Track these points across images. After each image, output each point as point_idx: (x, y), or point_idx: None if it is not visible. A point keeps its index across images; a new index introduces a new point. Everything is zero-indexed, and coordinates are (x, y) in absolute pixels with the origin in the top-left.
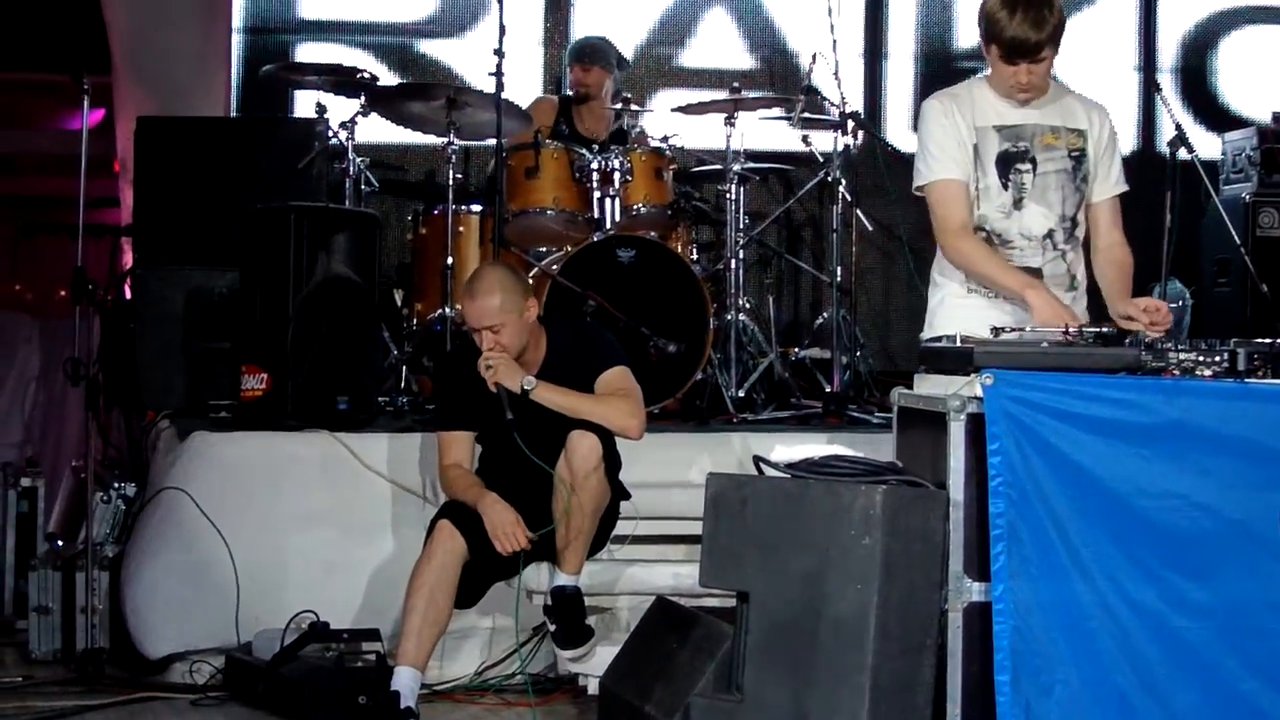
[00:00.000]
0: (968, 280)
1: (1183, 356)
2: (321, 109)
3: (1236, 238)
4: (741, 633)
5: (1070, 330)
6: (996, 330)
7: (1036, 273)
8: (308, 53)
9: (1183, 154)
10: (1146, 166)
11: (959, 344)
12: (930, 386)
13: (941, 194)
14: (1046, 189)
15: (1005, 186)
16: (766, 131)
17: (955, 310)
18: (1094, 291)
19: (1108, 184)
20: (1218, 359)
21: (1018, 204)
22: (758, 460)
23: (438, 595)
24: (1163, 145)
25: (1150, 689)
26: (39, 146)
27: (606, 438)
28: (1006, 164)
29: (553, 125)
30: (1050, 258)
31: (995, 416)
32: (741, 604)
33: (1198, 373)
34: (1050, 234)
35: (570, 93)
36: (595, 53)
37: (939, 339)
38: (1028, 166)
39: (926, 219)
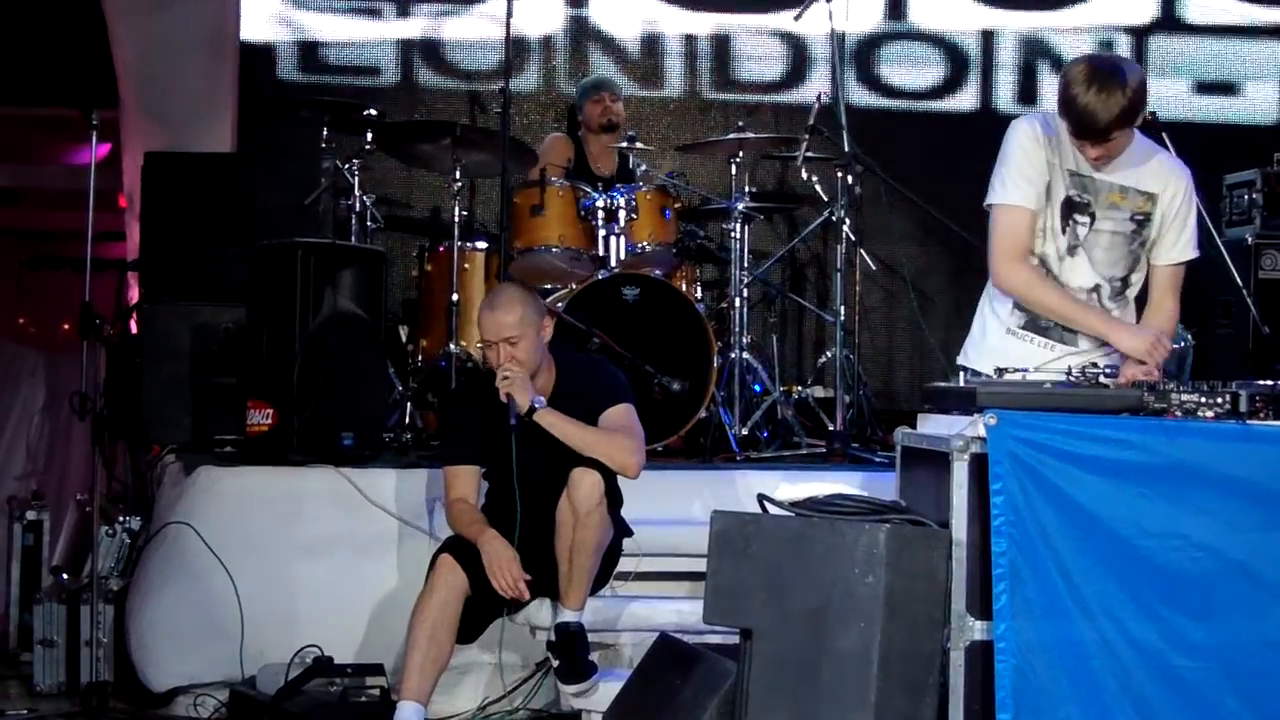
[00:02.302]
0: (1012, 318)
1: (1185, 398)
2: (328, 145)
3: (1239, 280)
4: (745, 670)
5: (1073, 371)
6: (1000, 370)
7: None
8: (314, 89)
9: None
10: None
11: (962, 384)
12: (933, 426)
13: (1008, 218)
14: (1097, 246)
15: (1063, 231)
16: (771, 170)
17: (994, 348)
18: None
19: (1173, 250)
20: (1220, 400)
21: (1071, 251)
22: (762, 498)
23: (440, 630)
24: None
25: None
26: (43, 181)
27: (608, 474)
28: (1069, 210)
29: (567, 163)
30: None
31: (998, 456)
32: (745, 641)
33: (1200, 414)
34: (1096, 289)
35: (596, 124)
36: (614, 85)
37: (975, 374)
38: (1086, 219)
39: (930, 259)
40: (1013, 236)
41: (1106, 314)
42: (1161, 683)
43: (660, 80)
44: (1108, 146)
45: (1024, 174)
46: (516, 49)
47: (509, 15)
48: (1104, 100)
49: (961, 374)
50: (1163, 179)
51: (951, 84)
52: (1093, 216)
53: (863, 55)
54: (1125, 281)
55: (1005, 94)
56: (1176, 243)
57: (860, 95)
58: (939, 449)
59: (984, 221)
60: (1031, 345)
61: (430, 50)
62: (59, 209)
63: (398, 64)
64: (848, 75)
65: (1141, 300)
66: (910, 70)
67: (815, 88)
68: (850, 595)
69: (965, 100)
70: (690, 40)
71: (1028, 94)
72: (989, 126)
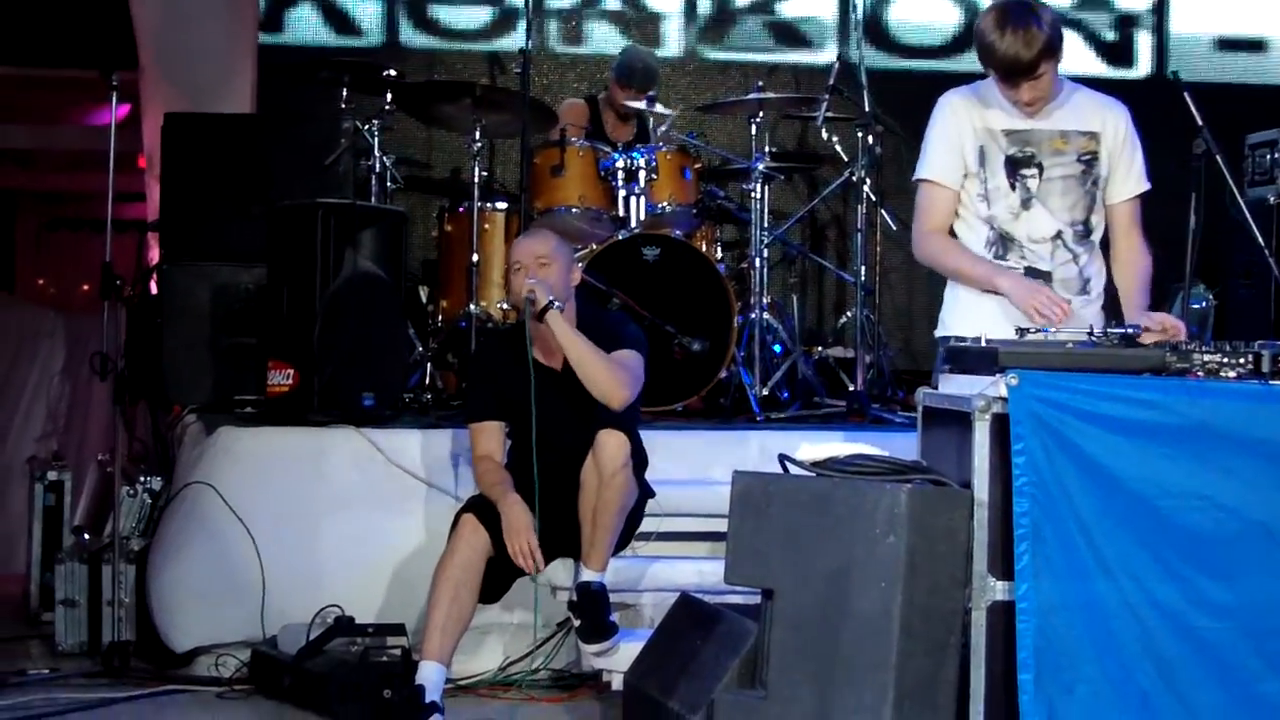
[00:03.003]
0: None
1: (1207, 358)
2: (348, 106)
3: (1260, 240)
4: (766, 630)
5: (1095, 331)
6: (1021, 330)
7: (1046, 276)
8: (334, 50)
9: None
10: None
11: (984, 344)
12: (955, 386)
13: (925, 193)
14: (1051, 194)
15: (1013, 188)
16: (791, 130)
17: (970, 310)
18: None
19: (1126, 185)
20: (1242, 360)
21: (1025, 205)
22: (783, 459)
23: (462, 590)
24: None
25: (1172, 688)
26: (61, 142)
27: (633, 436)
28: (1014, 167)
29: (582, 129)
30: (1061, 260)
31: (1020, 417)
32: (766, 601)
33: (1222, 374)
34: (1059, 235)
35: (618, 106)
36: (648, 80)
37: (959, 339)
38: (1034, 171)
39: None
40: (927, 210)
41: (993, 265)
42: (1183, 643)
43: (679, 41)
44: (1038, 85)
45: (945, 147)
46: (536, 8)
47: None
48: (1023, 38)
49: (941, 345)
50: (1100, 116)
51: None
52: (1040, 167)
53: (875, 10)
54: (1086, 224)
55: None
56: (1128, 177)
57: (871, 55)
58: (960, 409)
59: None
60: (1005, 301)
61: (446, 11)
62: (77, 170)
63: (416, 25)
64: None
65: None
66: (922, 28)
67: (833, 48)
68: (871, 555)
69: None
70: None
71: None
72: None
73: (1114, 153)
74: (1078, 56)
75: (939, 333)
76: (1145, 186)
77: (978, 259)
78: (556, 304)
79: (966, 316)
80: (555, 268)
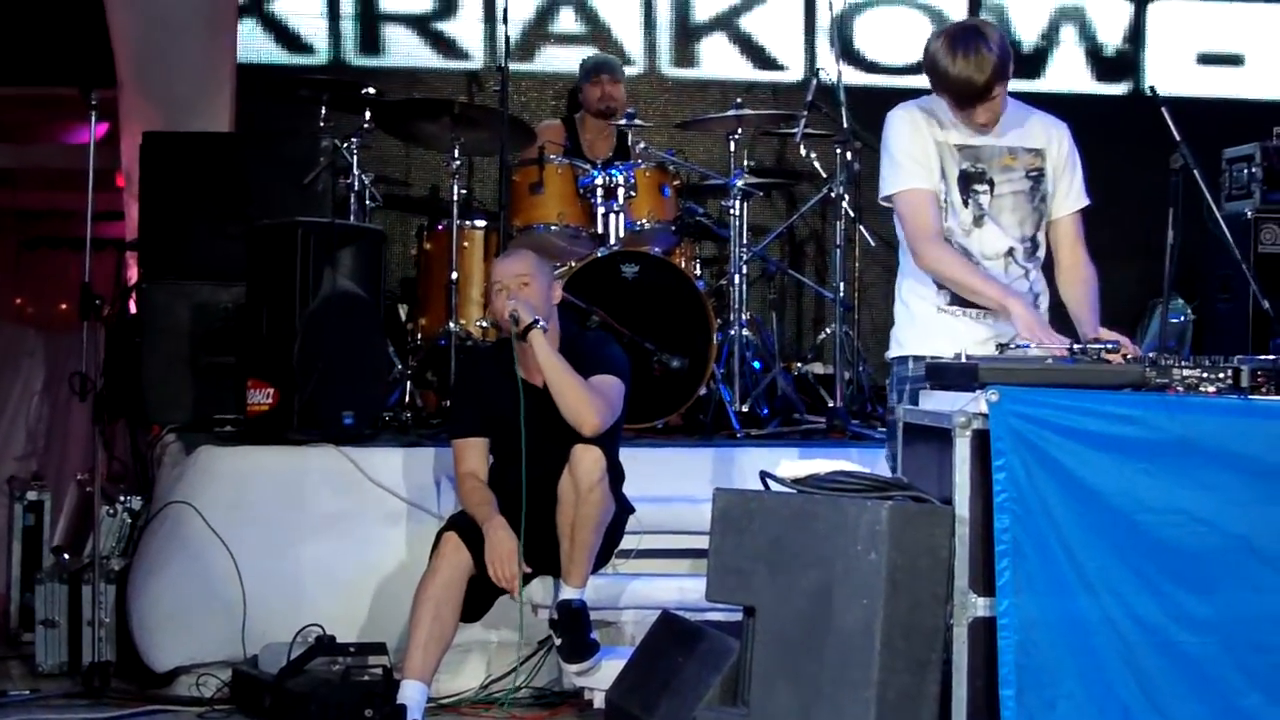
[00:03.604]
0: (939, 297)
1: (1186, 373)
2: (326, 124)
3: (1238, 254)
4: (748, 647)
5: (1074, 346)
6: (1001, 346)
7: None
8: (311, 69)
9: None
10: None
11: (964, 360)
12: (935, 402)
13: (912, 202)
14: (1003, 210)
15: (966, 204)
16: (769, 146)
17: (928, 329)
18: (1056, 309)
19: (1066, 200)
20: (1221, 375)
21: (978, 221)
22: (764, 475)
23: (443, 609)
24: None
25: (1154, 703)
26: (39, 160)
27: (610, 451)
28: (966, 183)
29: (561, 147)
30: (1014, 276)
31: (1000, 432)
32: (748, 618)
33: (1201, 389)
34: (1010, 252)
35: (594, 108)
36: (615, 67)
37: (915, 359)
38: (985, 188)
39: None
40: (921, 218)
41: (1005, 286)
42: (1164, 658)
43: (657, 58)
44: (991, 106)
45: (911, 157)
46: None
47: None
48: (974, 63)
49: (896, 365)
50: (1045, 133)
51: None
52: (991, 184)
53: (843, 26)
54: (1034, 241)
55: None
56: (1069, 192)
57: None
58: (941, 425)
59: None
60: (964, 319)
61: (425, 28)
62: (55, 189)
63: (395, 42)
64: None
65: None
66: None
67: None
68: (853, 572)
69: None
70: (689, 17)
71: (1024, 66)
72: None
73: (1057, 169)
74: (1058, 73)
75: (892, 353)
76: (1086, 202)
77: (988, 277)
78: (541, 323)
79: (925, 336)
80: (536, 286)
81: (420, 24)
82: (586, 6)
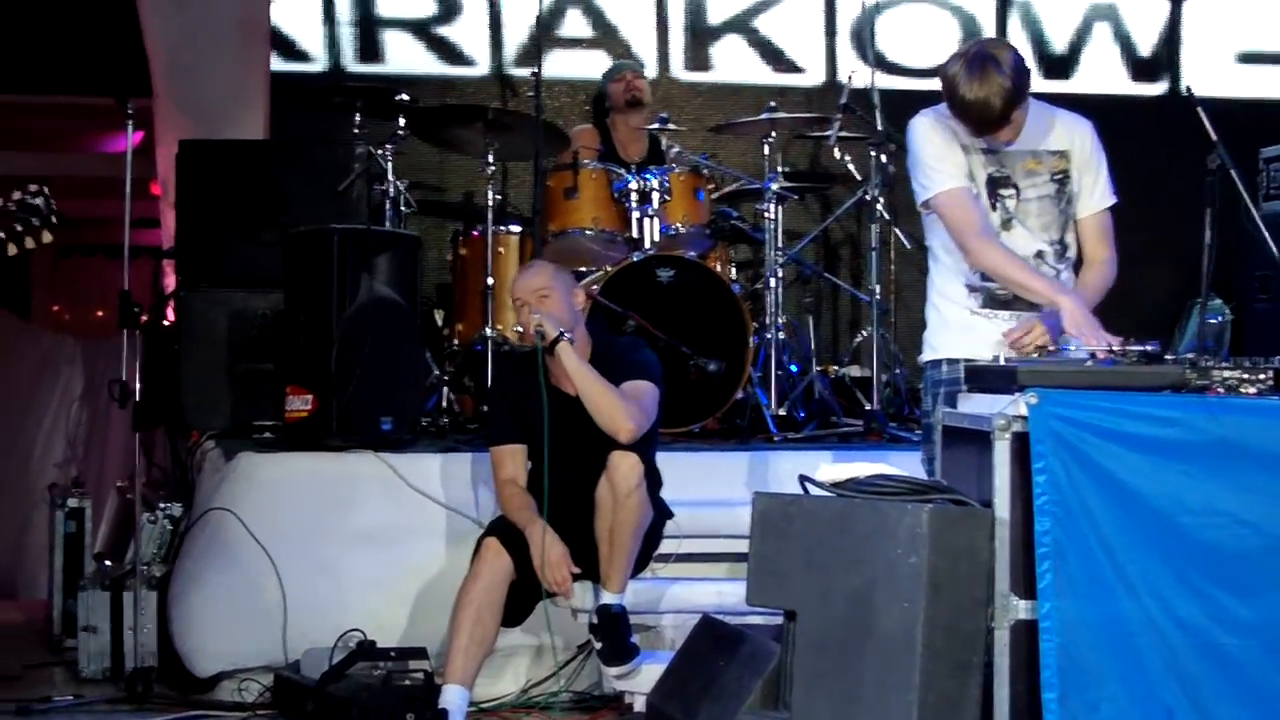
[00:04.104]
0: (970, 299)
1: (1227, 374)
2: (360, 131)
3: (1276, 254)
4: (789, 651)
5: (1115, 348)
6: (1041, 349)
7: None
8: (371, 72)
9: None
10: None
11: (1003, 363)
12: (974, 405)
13: (951, 202)
14: (1029, 214)
15: (994, 208)
16: (803, 150)
17: (960, 332)
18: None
19: (1091, 199)
20: (1262, 376)
21: (1006, 225)
22: (803, 479)
23: (484, 614)
24: None
25: (1197, 705)
26: (74, 168)
27: (647, 456)
28: (993, 187)
29: (595, 152)
30: None
31: (1040, 435)
32: (788, 622)
33: (1241, 390)
34: (1040, 254)
35: (621, 101)
36: (638, 65)
37: (948, 362)
38: (1011, 192)
39: None
40: (965, 217)
41: (1056, 282)
42: (1207, 660)
43: (701, 64)
44: (1011, 128)
45: (941, 159)
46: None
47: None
48: (990, 90)
49: (929, 368)
50: (1069, 134)
51: None
52: (1016, 188)
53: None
54: (1063, 243)
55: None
56: (1094, 190)
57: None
58: (980, 428)
59: None
60: (997, 322)
61: (459, 34)
62: (90, 196)
63: (429, 49)
64: (851, 50)
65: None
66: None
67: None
68: (893, 575)
69: None
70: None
71: (1055, 67)
72: None
73: (1081, 168)
74: (1091, 74)
75: (925, 356)
76: (1111, 200)
77: (1037, 273)
78: (567, 335)
79: (957, 339)
80: (556, 298)
81: (421, 29)
82: (594, 8)
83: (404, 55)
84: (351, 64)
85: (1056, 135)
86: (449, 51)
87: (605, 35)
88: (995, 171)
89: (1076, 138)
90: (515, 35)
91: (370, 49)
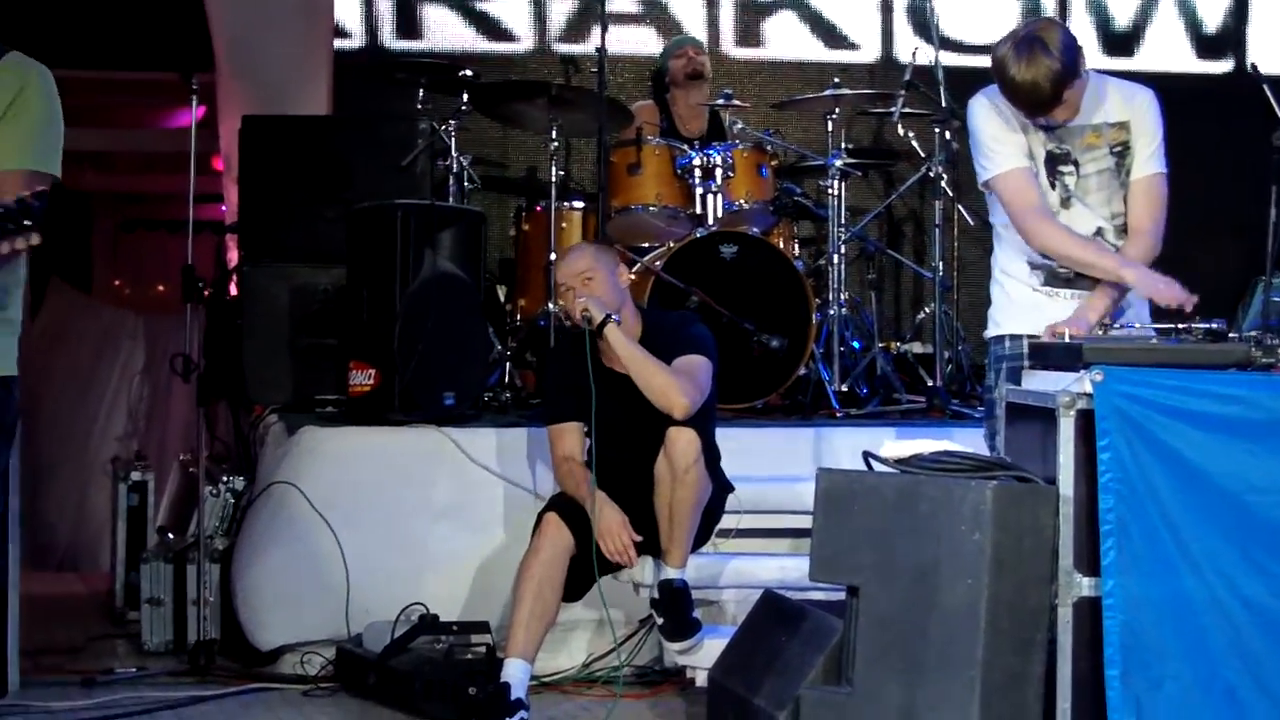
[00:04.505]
0: (1032, 277)
1: None
2: (424, 106)
3: None
4: (852, 627)
5: (1179, 326)
6: (1105, 326)
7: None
8: (409, 49)
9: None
10: None
11: (1068, 340)
12: (1038, 382)
13: (1011, 184)
14: (1089, 190)
15: (1054, 186)
16: (865, 126)
17: (1024, 309)
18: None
19: (1142, 165)
20: None
21: (1065, 203)
22: (867, 456)
23: (545, 588)
24: None
25: (1260, 683)
26: (135, 144)
27: (704, 431)
28: (1052, 164)
29: (656, 128)
30: None
31: (1105, 413)
32: (852, 598)
33: None
34: (1099, 232)
35: (682, 75)
36: (696, 39)
37: (1011, 338)
38: (1070, 169)
39: None
40: (1025, 197)
41: (1120, 256)
42: (1271, 638)
43: (753, 39)
44: (1066, 106)
45: (1000, 140)
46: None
47: None
48: (1038, 72)
49: (994, 344)
50: (1128, 104)
51: None
52: (1076, 164)
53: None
54: (1123, 216)
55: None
56: (1145, 155)
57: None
58: (1045, 405)
59: None
60: (1059, 299)
61: (501, 10)
62: (151, 172)
63: (491, 25)
64: (908, 26)
65: None
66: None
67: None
68: (957, 553)
69: None
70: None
71: (1119, 44)
72: None
73: (1138, 135)
74: (1155, 50)
75: (990, 332)
76: (1161, 168)
77: (1101, 249)
78: (614, 317)
79: (1021, 316)
80: (600, 279)
81: (461, 4)
82: None
83: (444, 31)
84: (390, 40)
85: (1116, 106)
86: (491, 27)
87: (653, 10)
88: (1054, 148)
89: (1136, 107)
90: (559, 10)
91: (409, 24)
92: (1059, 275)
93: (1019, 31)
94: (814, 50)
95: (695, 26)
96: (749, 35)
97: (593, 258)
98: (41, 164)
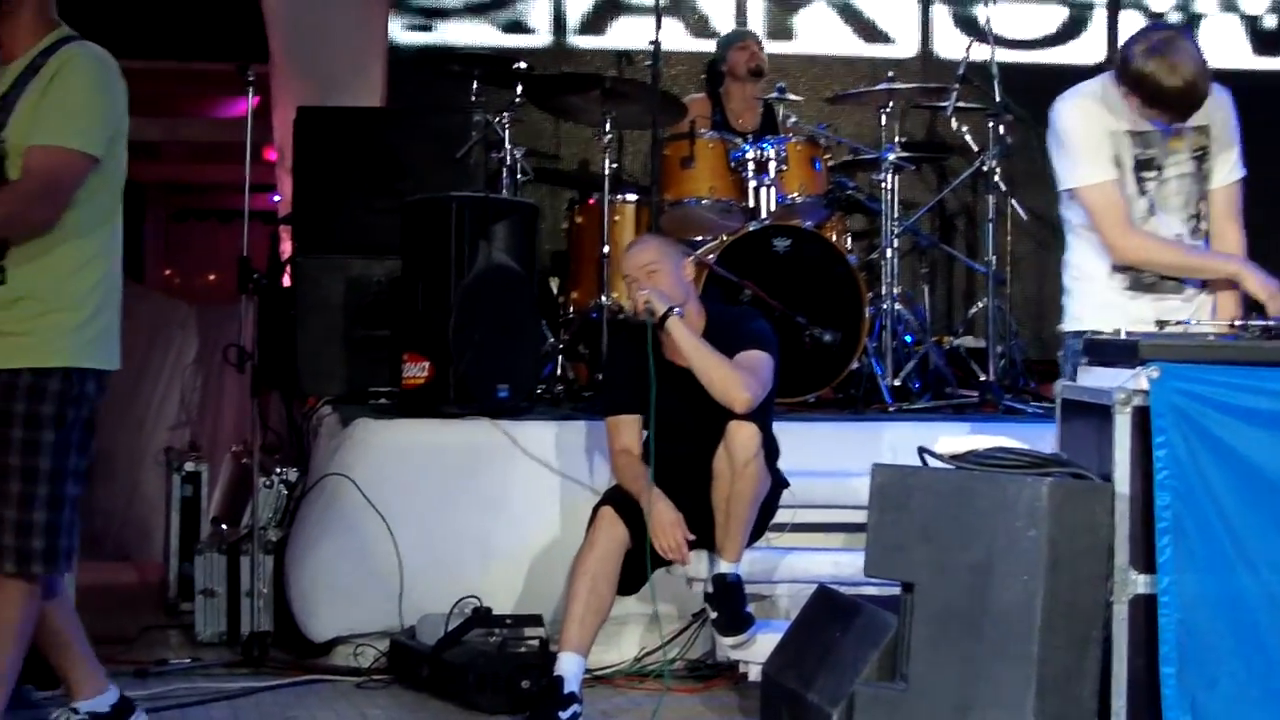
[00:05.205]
0: (1110, 281)
1: None
2: (478, 98)
3: None
4: (906, 622)
5: (1234, 323)
6: (1161, 323)
7: (1176, 281)
8: (462, 38)
9: None
10: None
11: (1125, 336)
12: (1094, 379)
13: (1099, 198)
14: (1169, 195)
15: (1141, 193)
16: (919, 120)
17: (1102, 309)
18: None
19: (1221, 171)
20: None
21: (1150, 210)
22: (922, 451)
23: (600, 582)
24: None
25: None
26: (188, 134)
27: (764, 426)
28: (1139, 170)
29: (708, 121)
30: None
31: (1161, 410)
32: (906, 594)
33: None
34: (1179, 237)
35: (743, 70)
36: (748, 33)
37: (1095, 333)
38: (1154, 174)
39: None
40: (1113, 209)
41: (1223, 254)
42: None
43: (784, 33)
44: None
45: (1089, 148)
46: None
47: None
48: (1194, 71)
49: (1070, 339)
50: (1209, 107)
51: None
52: (1159, 169)
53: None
54: (1198, 219)
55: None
56: (1227, 162)
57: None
58: (1100, 401)
59: None
60: (1141, 303)
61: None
62: (202, 162)
63: (547, 18)
64: (949, 21)
65: None
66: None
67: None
68: (1012, 549)
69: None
70: None
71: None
72: None
73: (1219, 141)
74: (1215, 48)
75: (1068, 326)
76: (1240, 174)
77: (1201, 252)
78: (677, 310)
79: (1099, 315)
80: (664, 272)
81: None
82: None
83: (456, 25)
84: (400, 34)
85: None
86: (504, 21)
87: (680, 3)
88: (1141, 154)
89: (1217, 110)
90: (578, 4)
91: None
92: (1142, 281)
93: (1152, 42)
94: (849, 44)
95: (723, 20)
96: (780, 29)
97: (657, 250)
98: (71, 141)
